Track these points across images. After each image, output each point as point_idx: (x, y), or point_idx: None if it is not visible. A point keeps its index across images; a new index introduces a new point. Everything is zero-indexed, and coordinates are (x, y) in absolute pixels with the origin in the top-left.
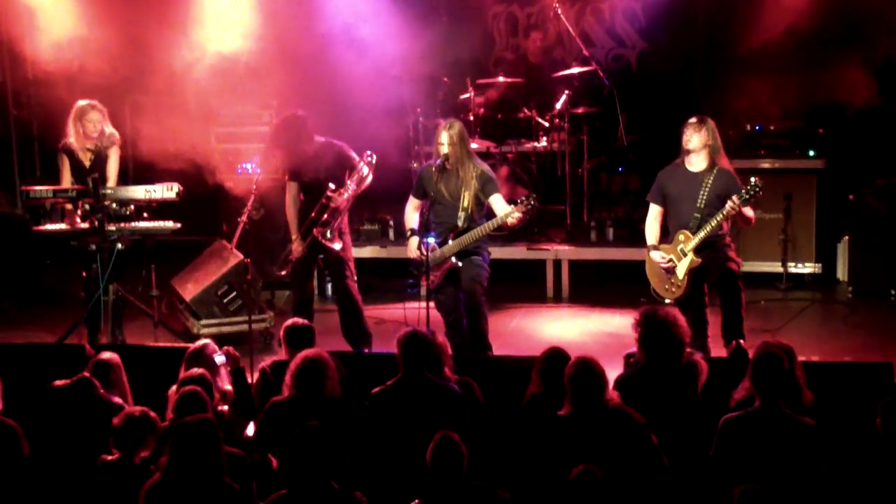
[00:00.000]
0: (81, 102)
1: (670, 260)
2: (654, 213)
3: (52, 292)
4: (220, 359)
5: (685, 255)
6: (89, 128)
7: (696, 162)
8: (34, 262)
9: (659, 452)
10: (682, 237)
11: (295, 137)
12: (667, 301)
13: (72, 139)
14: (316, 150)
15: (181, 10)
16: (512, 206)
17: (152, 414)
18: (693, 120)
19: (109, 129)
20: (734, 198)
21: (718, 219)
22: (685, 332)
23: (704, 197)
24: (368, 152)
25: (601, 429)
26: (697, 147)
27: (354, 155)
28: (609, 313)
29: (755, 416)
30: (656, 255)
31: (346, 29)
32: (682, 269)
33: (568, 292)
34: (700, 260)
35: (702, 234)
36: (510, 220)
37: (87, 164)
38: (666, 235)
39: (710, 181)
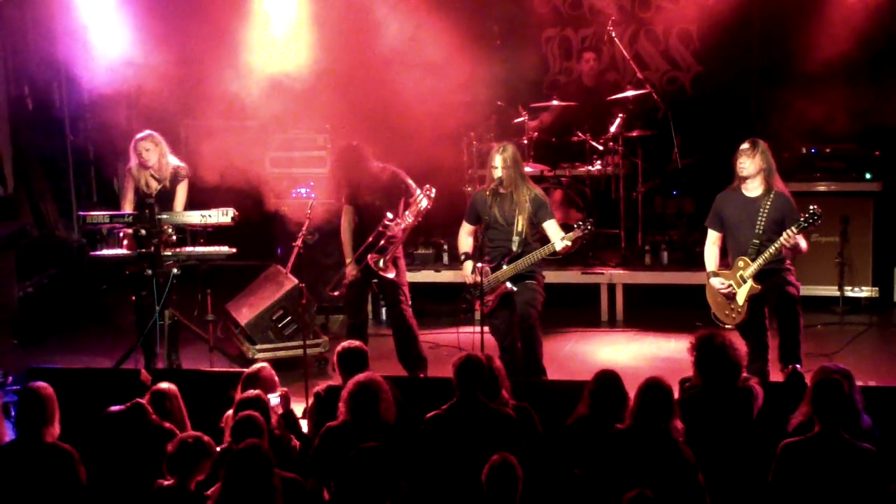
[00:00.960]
0: (139, 134)
1: (730, 286)
2: (713, 238)
3: (107, 317)
4: (274, 400)
5: (745, 281)
6: (143, 157)
7: (753, 187)
8: (91, 287)
9: (703, 493)
10: (741, 264)
11: (352, 166)
12: (727, 326)
13: (132, 164)
14: (374, 175)
15: (236, 35)
16: (564, 231)
17: (206, 439)
18: (745, 146)
19: (174, 160)
20: (791, 229)
21: (777, 246)
22: (741, 356)
23: (762, 223)
24: (427, 185)
25: (652, 452)
26: (752, 173)
27: (411, 182)
28: (664, 337)
29: (814, 441)
30: (716, 282)
31: (400, 53)
32: (741, 296)
33: (622, 316)
34: (760, 287)
35: (760, 260)
36: (560, 247)
37: (153, 192)
38: (725, 257)
39: (767, 206)
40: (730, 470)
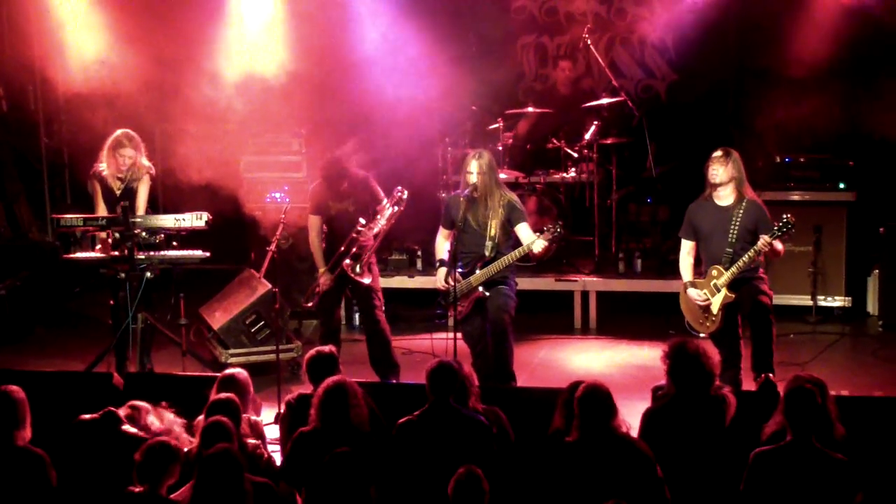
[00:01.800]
0: (118, 133)
1: (707, 298)
2: (687, 248)
3: (80, 320)
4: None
5: (718, 290)
6: (121, 161)
7: (724, 196)
8: (64, 290)
9: (663, 486)
10: (715, 273)
11: (335, 178)
12: (701, 335)
13: (102, 167)
14: (353, 181)
15: (212, 39)
16: (538, 234)
17: (173, 443)
18: (718, 154)
19: (144, 161)
20: (765, 237)
21: (750, 255)
22: (714, 364)
23: (735, 231)
24: (399, 188)
25: (606, 456)
26: (724, 180)
27: (379, 189)
28: (637, 345)
29: (786, 450)
30: (693, 293)
31: (376, 58)
32: (716, 305)
33: (595, 323)
34: (734, 295)
35: (734, 269)
36: (535, 249)
37: (117, 192)
38: (698, 266)
39: (739, 214)
40: (702, 478)
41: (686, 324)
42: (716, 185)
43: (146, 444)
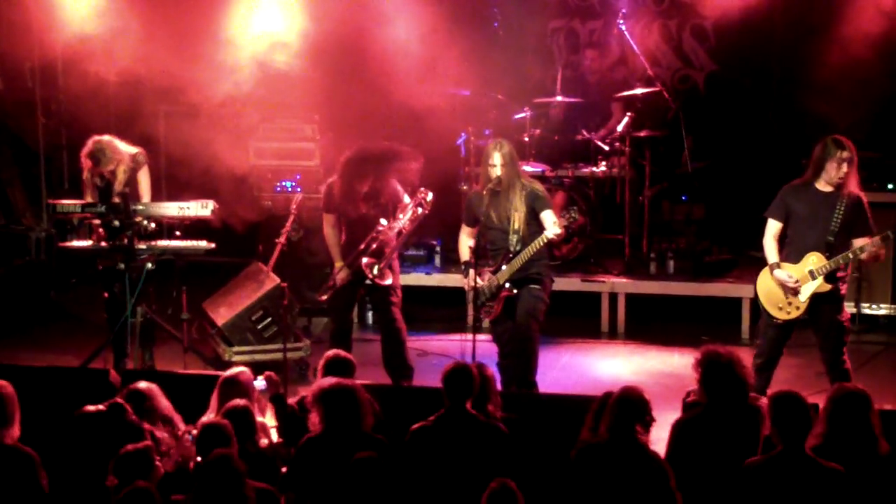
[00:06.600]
0: (86, 149)
1: (797, 280)
2: (775, 229)
3: (77, 313)
4: (259, 384)
5: (814, 277)
6: (103, 169)
7: (829, 184)
8: (59, 280)
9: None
10: (814, 258)
11: (357, 178)
12: (776, 320)
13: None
14: (370, 184)
15: (222, 20)
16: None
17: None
18: (847, 154)
19: (128, 151)
20: (877, 239)
21: (856, 252)
22: (749, 373)
23: (838, 220)
24: (422, 189)
25: (626, 463)
26: (846, 177)
27: (401, 189)
28: (668, 352)
29: (777, 460)
30: (782, 274)
31: (396, 42)
32: (807, 291)
33: (624, 328)
34: (830, 286)
35: (832, 263)
36: (549, 236)
37: (118, 185)
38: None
39: (843, 206)
40: (734, 493)
41: (760, 307)
42: (839, 183)
43: (117, 458)
